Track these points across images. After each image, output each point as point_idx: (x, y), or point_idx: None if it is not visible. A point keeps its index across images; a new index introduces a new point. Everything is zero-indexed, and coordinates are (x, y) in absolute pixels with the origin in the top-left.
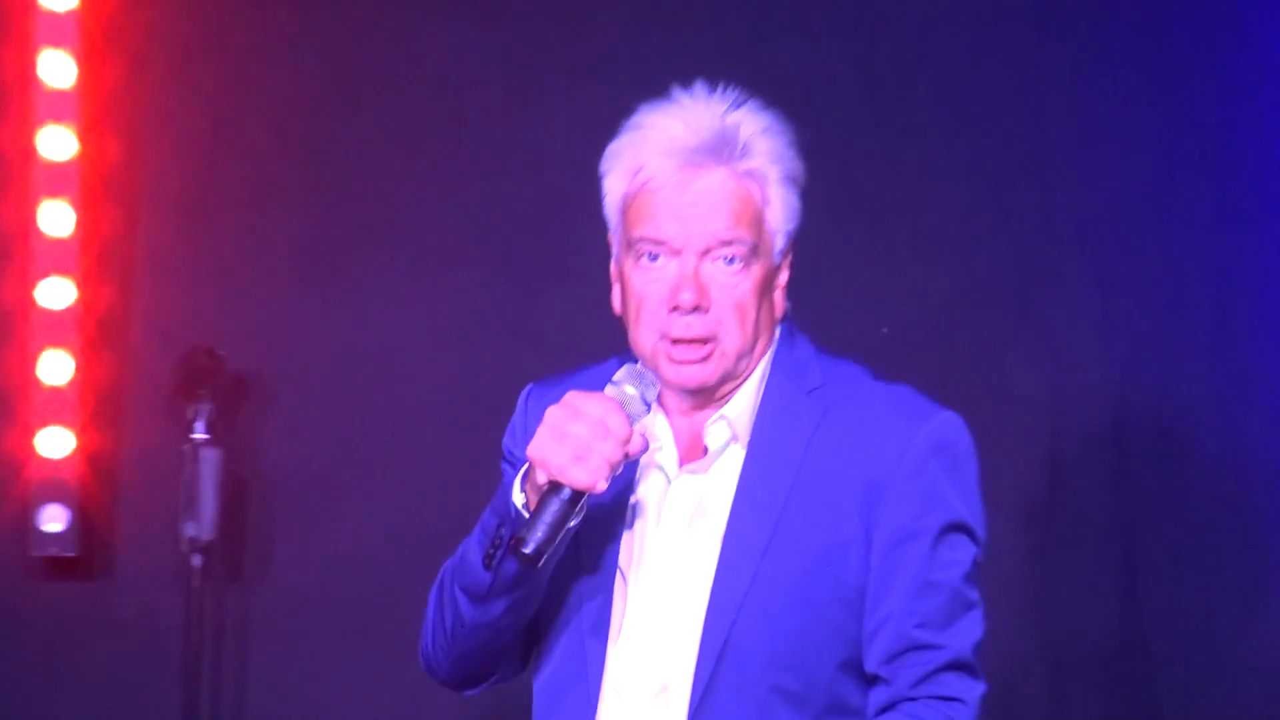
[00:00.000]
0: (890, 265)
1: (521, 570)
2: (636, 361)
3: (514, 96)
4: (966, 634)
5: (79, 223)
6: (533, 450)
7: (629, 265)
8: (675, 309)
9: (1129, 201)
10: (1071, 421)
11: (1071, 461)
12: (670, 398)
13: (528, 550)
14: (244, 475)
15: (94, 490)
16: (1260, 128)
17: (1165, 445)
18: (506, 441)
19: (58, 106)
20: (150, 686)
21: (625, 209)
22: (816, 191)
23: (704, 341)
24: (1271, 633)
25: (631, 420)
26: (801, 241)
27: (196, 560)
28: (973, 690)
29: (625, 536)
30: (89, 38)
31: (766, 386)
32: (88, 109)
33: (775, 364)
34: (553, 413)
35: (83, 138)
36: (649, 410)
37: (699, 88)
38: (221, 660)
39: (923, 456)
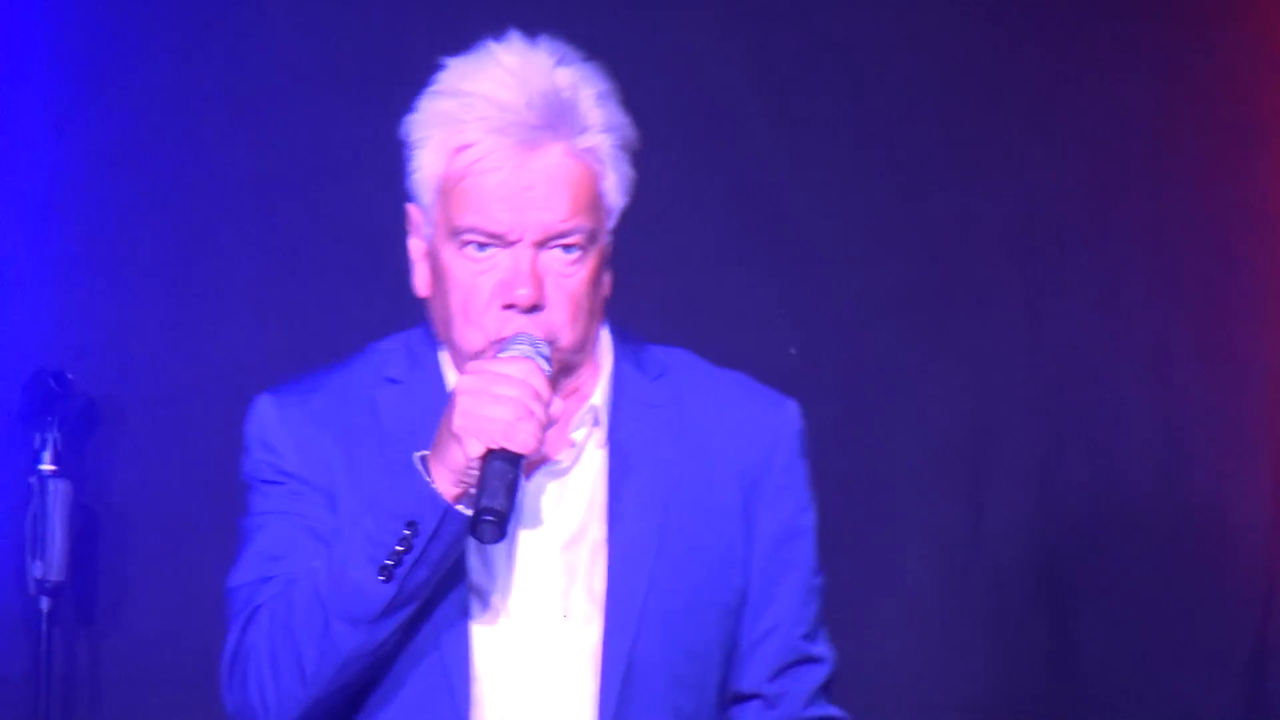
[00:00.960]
0: (794, 277)
1: (430, 575)
2: (426, 349)
3: (372, 98)
4: (828, 639)
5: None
6: (459, 424)
7: (449, 252)
8: (510, 306)
9: (1057, 205)
10: (995, 450)
11: (995, 493)
12: None
13: (491, 518)
14: (96, 509)
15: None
16: (1202, 134)
17: (1097, 474)
18: (269, 459)
19: None
20: None
21: (446, 190)
22: (712, 196)
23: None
24: (1206, 676)
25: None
26: (697, 250)
27: (44, 603)
28: (821, 673)
29: (472, 554)
30: None
31: (615, 375)
32: None
33: (617, 351)
34: (469, 382)
35: None
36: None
37: (515, 38)
38: (71, 714)
39: (792, 449)
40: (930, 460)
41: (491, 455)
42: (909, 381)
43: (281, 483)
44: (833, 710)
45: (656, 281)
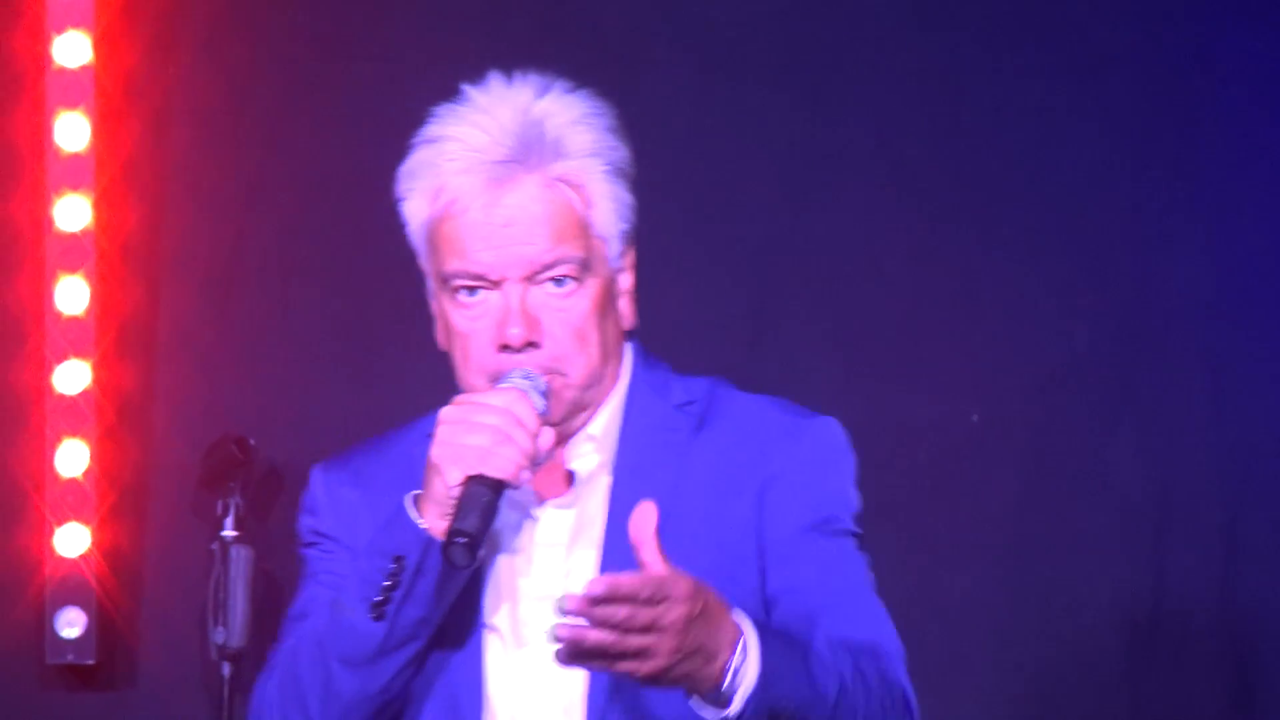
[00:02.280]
0: (978, 343)
1: (422, 613)
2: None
3: None
4: (889, 629)
5: (95, 299)
6: (437, 453)
7: (445, 302)
8: (505, 348)
9: (1241, 272)
10: (1177, 513)
11: (1179, 565)
12: None
13: (463, 540)
14: (278, 576)
15: (114, 592)
16: None
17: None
18: (310, 523)
19: (73, 172)
20: None
21: (432, 238)
22: (894, 256)
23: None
24: None
25: (536, 405)
26: (873, 319)
27: (226, 669)
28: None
29: (490, 586)
30: (105, 98)
31: (628, 404)
32: (104, 175)
33: (634, 381)
34: (450, 413)
35: (99, 206)
36: (545, 410)
37: (495, 80)
38: None
39: (821, 454)
40: (1111, 525)
41: (470, 482)
42: (1091, 448)
43: (317, 543)
44: (899, 677)
45: (834, 351)
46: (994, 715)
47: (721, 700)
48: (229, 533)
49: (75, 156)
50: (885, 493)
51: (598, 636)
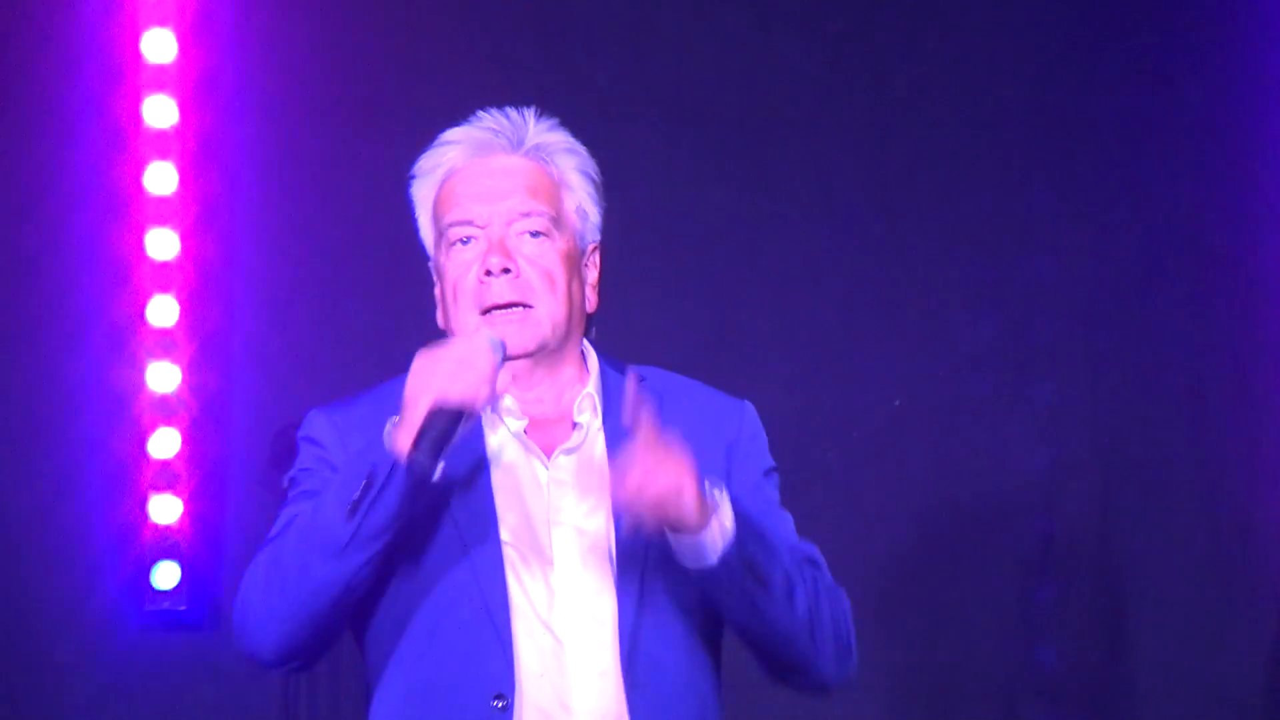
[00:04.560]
0: (900, 342)
1: (386, 519)
2: None
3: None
4: (826, 571)
5: (183, 315)
6: (409, 386)
7: (443, 257)
8: (487, 274)
9: (1114, 274)
10: (1066, 482)
11: (1065, 519)
12: (516, 394)
13: (422, 457)
14: None
15: (200, 550)
16: (1242, 218)
17: (1149, 511)
18: (316, 452)
19: (162, 211)
20: None
21: (435, 207)
22: (826, 277)
23: (518, 305)
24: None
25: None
26: (813, 326)
27: None
28: (825, 574)
29: (512, 516)
30: (189, 156)
31: (603, 377)
32: (189, 214)
33: (601, 362)
34: (421, 355)
35: (185, 239)
36: (504, 356)
37: (494, 110)
38: (316, 698)
39: (755, 428)
40: (1011, 487)
41: (433, 411)
42: (993, 424)
43: (315, 471)
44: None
45: (783, 352)
46: (914, 632)
47: (705, 551)
48: None
49: (164, 198)
50: (827, 463)
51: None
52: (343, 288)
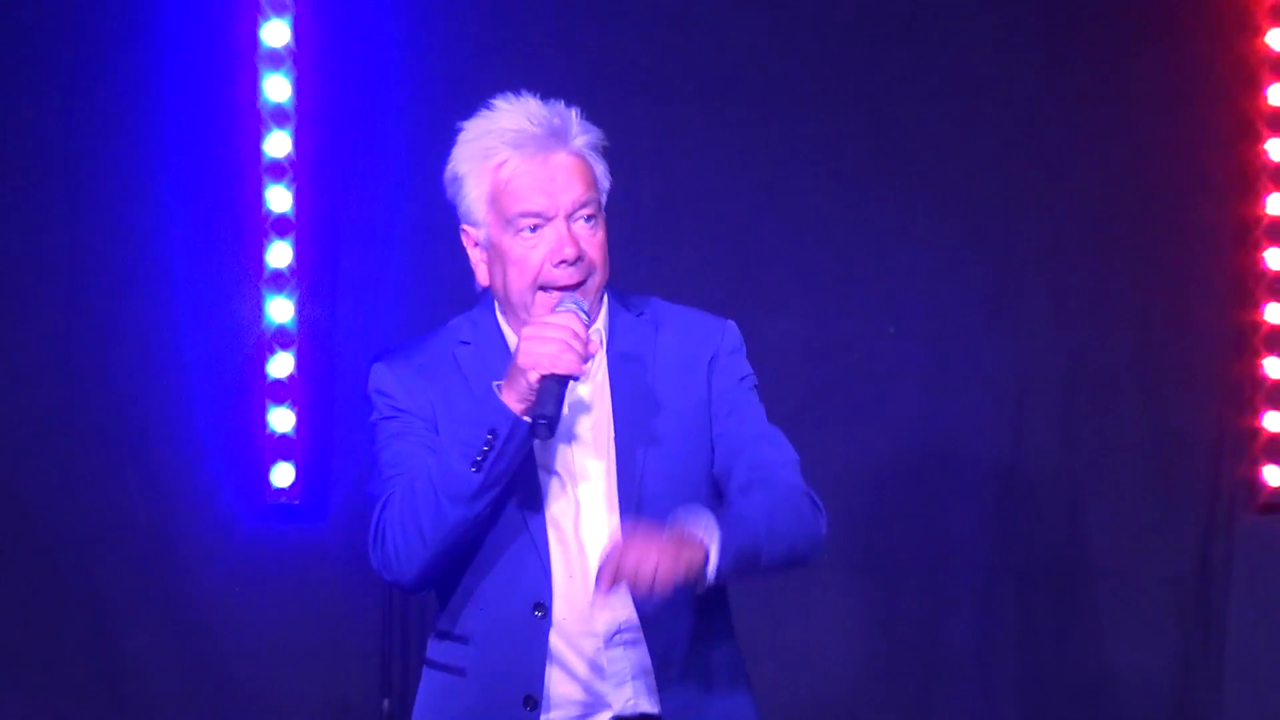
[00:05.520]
0: (893, 280)
1: (507, 468)
2: (486, 316)
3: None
4: (786, 445)
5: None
6: (523, 359)
7: (508, 241)
8: (562, 262)
9: (1091, 223)
10: (1031, 401)
11: (1032, 432)
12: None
13: (544, 421)
14: None
15: (311, 455)
16: (1181, 182)
17: (1101, 414)
18: (389, 402)
19: (279, 227)
20: (357, 598)
21: (496, 198)
22: (835, 225)
23: (579, 284)
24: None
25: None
26: (822, 266)
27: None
28: (792, 456)
29: (539, 447)
30: (303, 181)
31: (609, 313)
32: (304, 230)
33: (610, 298)
34: (529, 331)
35: (298, 248)
36: (589, 322)
37: (508, 95)
38: (409, 616)
39: (734, 342)
40: (983, 402)
41: (545, 379)
42: (968, 350)
43: (396, 417)
44: (797, 480)
45: (795, 288)
46: (890, 530)
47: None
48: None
49: (283, 216)
50: (830, 382)
51: (631, 574)
52: (423, 238)
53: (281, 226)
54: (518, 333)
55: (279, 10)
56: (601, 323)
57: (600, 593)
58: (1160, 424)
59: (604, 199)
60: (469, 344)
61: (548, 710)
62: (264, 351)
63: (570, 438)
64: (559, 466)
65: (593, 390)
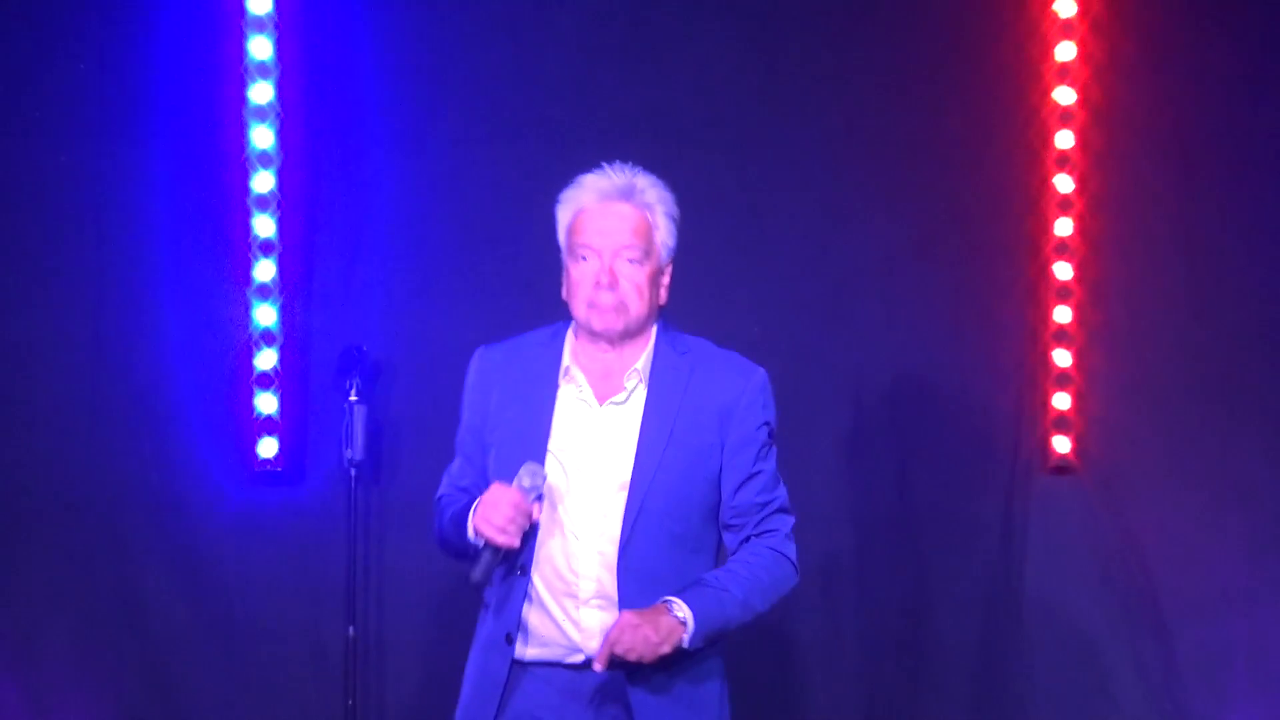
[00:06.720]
0: (762, 283)
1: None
2: (564, 329)
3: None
4: (783, 493)
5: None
6: (474, 521)
7: (572, 265)
8: (598, 286)
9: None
10: (870, 389)
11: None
12: (587, 350)
13: (476, 578)
14: (380, 422)
15: (290, 432)
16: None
17: (926, 397)
18: (464, 400)
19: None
20: (328, 548)
21: (570, 230)
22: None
23: (616, 309)
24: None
25: (530, 501)
26: (699, 268)
27: (352, 471)
28: (788, 521)
29: (559, 437)
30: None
31: (655, 351)
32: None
33: (659, 337)
34: (485, 496)
35: (282, 263)
36: (540, 495)
37: (618, 164)
38: (369, 533)
39: (754, 394)
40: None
41: (487, 543)
42: (833, 352)
43: (461, 421)
44: (773, 525)
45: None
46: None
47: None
48: (354, 398)
49: (267, 240)
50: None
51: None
52: (387, 251)
53: (266, 248)
54: (579, 338)
55: (264, 74)
56: (643, 363)
57: (598, 667)
58: (973, 403)
59: (662, 252)
60: (543, 345)
61: (525, 644)
62: (252, 348)
63: (595, 442)
64: (566, 454)
65: (629, 412)
